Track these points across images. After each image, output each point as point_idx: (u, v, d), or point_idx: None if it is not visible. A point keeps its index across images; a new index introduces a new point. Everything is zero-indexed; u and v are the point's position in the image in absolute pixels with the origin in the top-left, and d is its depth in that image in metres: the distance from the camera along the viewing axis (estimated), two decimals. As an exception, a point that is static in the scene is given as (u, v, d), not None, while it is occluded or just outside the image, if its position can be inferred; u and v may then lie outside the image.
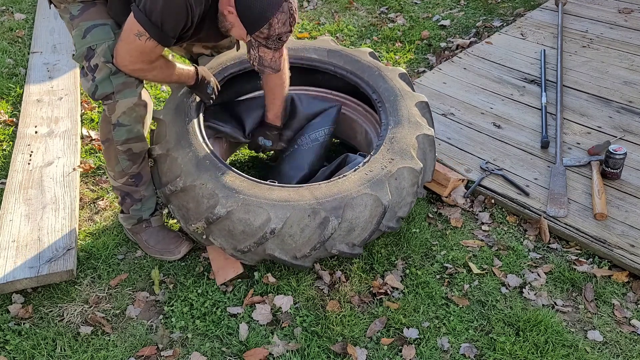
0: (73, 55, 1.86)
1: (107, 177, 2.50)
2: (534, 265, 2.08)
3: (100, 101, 1.84)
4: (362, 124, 2.39)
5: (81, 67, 1.86)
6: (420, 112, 2.09)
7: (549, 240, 2.18)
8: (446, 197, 2.35)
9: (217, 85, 2.09)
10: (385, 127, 2.02)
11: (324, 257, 1.97)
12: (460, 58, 3.33)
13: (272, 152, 2.42)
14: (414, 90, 2.19)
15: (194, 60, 2.34)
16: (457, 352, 1.78)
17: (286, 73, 2.15)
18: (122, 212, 2.12)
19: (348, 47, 3.65)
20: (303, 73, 2.34)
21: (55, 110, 2.84)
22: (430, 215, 2.30)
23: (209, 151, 1.90)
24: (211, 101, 2.08)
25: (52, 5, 1.95)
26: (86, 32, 1.81)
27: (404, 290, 1.98)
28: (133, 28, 1.72)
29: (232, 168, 1.88)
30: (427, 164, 2.04)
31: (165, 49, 1.80)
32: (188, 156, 1.87)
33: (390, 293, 1.97)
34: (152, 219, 2.11)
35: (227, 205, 1.76)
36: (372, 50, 2.36)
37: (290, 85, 2.19)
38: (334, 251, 1.85)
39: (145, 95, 1.92)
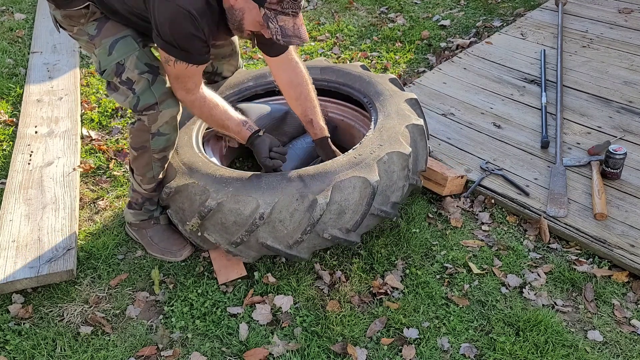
0: (101, 73, 1.86)
1: (107, 177, 2.51)
2: (534, 265, 2.08)
3: (137, 113, 1.84)
4: (360, 129, 2.42)
5: (107, 82, 1.87)
6: (410, 107, 2.15)
7: (549, 240, 2.18)
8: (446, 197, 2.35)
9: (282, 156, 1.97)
10: (375, 121, 2.08)
11: (319, 246, 1.96)
12: (460, 58, 3.33)
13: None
14: (404, 91, 2.28)
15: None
16: (457, 352, 1.78)
17: (304, 72, 2.06)
18: (130, 207, 2.11)
19: (348, 47, 3.67)
20: None
21: (55, 110, 2.84)
22: (430, 215, 2.30)
23: (202, 157, 2.02)
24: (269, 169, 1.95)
25: (61, 29, 1.96)
26: (110, 48, 1.82)
27: (404, 290, 1.98)
28: (162, 56, 1.77)
29: (224, 167, 1.97)
30: (418, 151, 2.08)
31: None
32: (183, 161, 1.99)
33: (390, 293, 1.97)
34: (161, 216, 2.13)
35: (217, 197, 1.82)
36: (363, 64, 2.46)
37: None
38: (326, 235, 1.86)
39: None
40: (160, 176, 2.00)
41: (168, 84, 1.84)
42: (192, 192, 1.89)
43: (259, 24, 1.73)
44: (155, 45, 1.78)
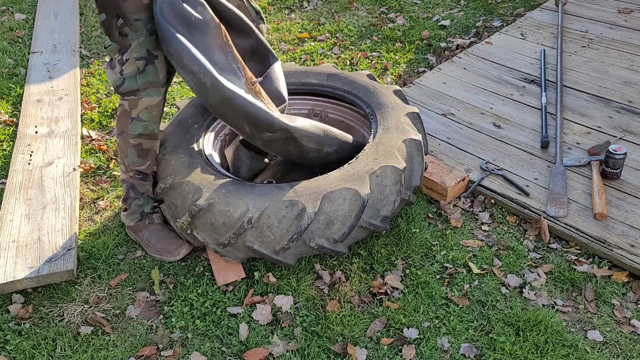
0: (105, 47, 1.90)
1: (107, 177, 2.51)
2: (534, 265, 2.08)
3: (119, 95, 1.90)
4: (360, 130, 2.43)
5: (110, 58, 1.92)
6: (410, 121, 2.18)
7: (549, 240, 2.18)
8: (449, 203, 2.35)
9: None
10: (374, 134, 2.11)
11: (306, 253, 1.97)
12: (460, 58, 3.33)
13: None
14: (407, 104, 2.30)
15: None
16: (457, 352, 1.78)
17: None
18: (124, 210, 2.14)
19: (348, 47, 3.67)
20: (307, 97, 2.50)
21: (56, 110, 2.84)
22: (430, 215, 2.30)
23: (202, 157, 2.05)
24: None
25: None
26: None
27: (404, 290, 1.98)
28: None
29: (223, 170, 2.02)
30: (413, 167, 2.10)
31: None
32: (181, 160, 2.02)
33: (390, 293, 1.97)
34: (155, 215, 2.13)
35: (209, 198, 1.85)
36: (370, 73, 2.49)
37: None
38: (313, 245, 1.88)
39: (164, 97, 1.98)
40: (138, 167, 2.02)
41: (155, 75, 1.87)
42: (186, 191, 1.92)
43: None
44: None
